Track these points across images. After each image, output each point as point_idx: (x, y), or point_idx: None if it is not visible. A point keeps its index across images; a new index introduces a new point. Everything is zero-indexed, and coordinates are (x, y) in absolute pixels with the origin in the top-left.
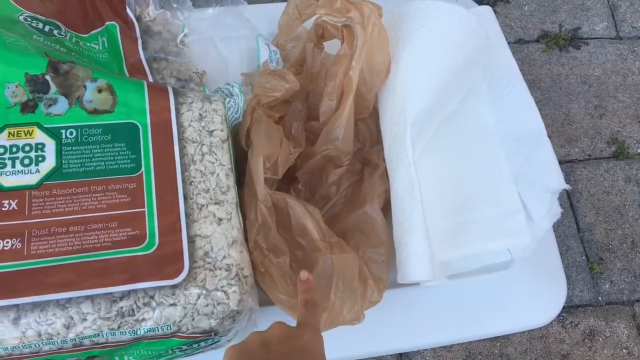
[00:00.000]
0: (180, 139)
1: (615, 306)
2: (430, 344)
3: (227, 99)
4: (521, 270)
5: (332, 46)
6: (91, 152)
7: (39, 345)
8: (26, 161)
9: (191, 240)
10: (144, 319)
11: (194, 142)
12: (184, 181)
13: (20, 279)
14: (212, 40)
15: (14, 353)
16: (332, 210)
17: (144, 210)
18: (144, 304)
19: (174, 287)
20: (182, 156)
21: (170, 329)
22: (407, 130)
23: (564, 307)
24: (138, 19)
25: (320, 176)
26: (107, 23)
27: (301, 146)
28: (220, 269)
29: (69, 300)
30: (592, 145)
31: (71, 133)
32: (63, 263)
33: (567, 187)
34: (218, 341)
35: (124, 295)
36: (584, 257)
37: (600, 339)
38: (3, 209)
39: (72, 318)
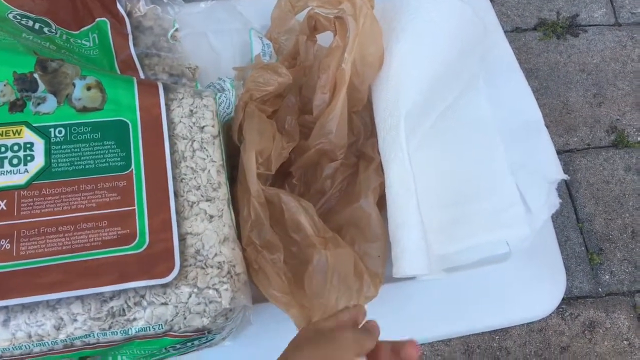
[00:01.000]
0: (170, 136)
1: (615, 297)
2: (427, 338)
3: (219, 94)
4: (519, 262)
5: (325, 39)
6: (80, 151)
7: (29, 347)
8: (15, 161)
9: (182, 238)
10: (135, 319)
11: (184, 138)
12: (174, 178)
13: (9, 280)
14: (204, 35)
15: (4, 355)
16: (327, 204)
17: (134, 209)
18: (135, 304)
19: (165, 286)
20: (172, 153)
21: (162, 328)
22: (401, 122)
23: (563, 299)
24: (129, 14)
25: (315, 170)
26: (97, 19)
27: (295, 140)
28: (211, 266)
29: (59, 301)
30: (591, 134)
31: (60, 132)
32: (52, 263)
33: (565, 177)
34: (212, 339)
35: (115, 295)
36: (583, 248)
37: (601, 331)
38: None
39: (62, 319)
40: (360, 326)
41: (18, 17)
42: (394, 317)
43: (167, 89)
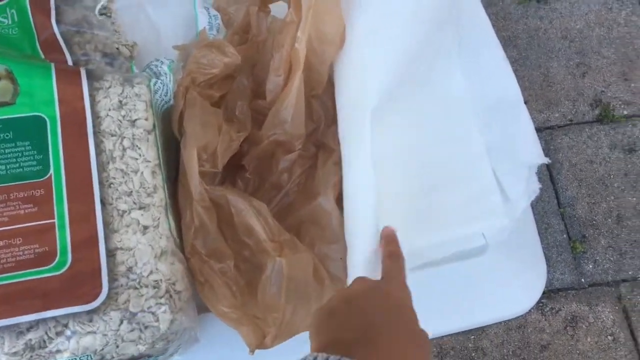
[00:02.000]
0: (96, 133)
1: (599, 288)
2: None
3: (154, 80)
4: (496, 255)
5: (281, 9)
6: None
7: None
8: None
9: (111, 255)
10: (58, 351)
11: (112, 135)
12: (101, 183)
13: None
14: (142, 7)
15: None
16: (284, 200)
17: (54, 222)
18: (57, 334)
19: (91, 312)
20: (98, 153)
21: (92, 359)
22: (366, 112)
23: (543, 293)
24: None
25: (270, 163)
26: None
27: (246, 129)
28: (146, 286)
29: None
30: (573, 108)
31: None
32: None
33: (546, 160)
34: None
35: (32, 326)
36: (565, 236)
37: (584, 326)
38: None
39: None
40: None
41: None
42: None
43: (91, 77)
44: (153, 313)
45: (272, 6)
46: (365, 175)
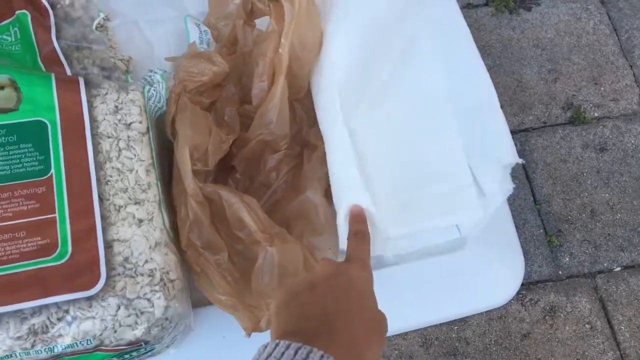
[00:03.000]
0: (93, 135)
1: (576, 279)
2: None
3: (148, 88)
4: (475, 248)
5: (266, 23)
6: None
7: None
8: None
9: (108, 246)
10: (60, 335)
11: (109, 137)
12: (99, 181)
13: None
14: (136, 24)
15: None
16: (273, 197)
17: (55, 216)
18: (59, 319)
19: (91, 298)
20: (96, 154)
21: (91, 343)
22: (334, 87)
23: (522, 284)
24: (53, 5)
25: (258, 163)
26: (17, 12)
27: (235, 132)
28: (142, 274)
29: None
30: (546, 111)
31: None
32: None
33: (520, 161)
34: (152, 349)
35: (35, 312)
36: (541, 231)
37: (562, 315)
38: None
39: None
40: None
41: None
42: None
43: (89, 85)
44: (148, 299)
45: (257, 21)
46: (341, 137)
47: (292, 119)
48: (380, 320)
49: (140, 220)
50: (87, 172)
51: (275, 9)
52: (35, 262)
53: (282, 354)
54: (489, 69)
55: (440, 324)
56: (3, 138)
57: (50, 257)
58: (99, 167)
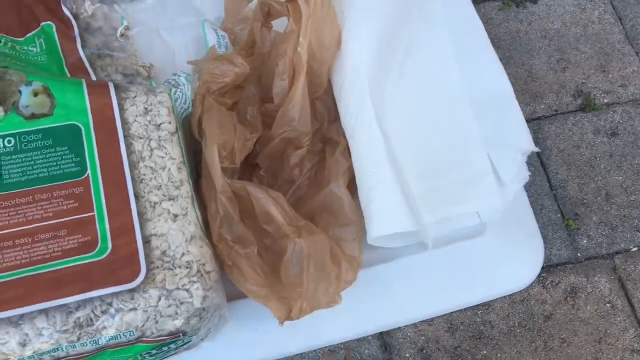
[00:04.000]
0: (126, 136)
1: (594, 261)
2: (410, 319)
3: (174, 90)
4: (496, 234)
5: (282, 25)
6: (32, 160)
7: None
8: None
9: (146, 241)
10: (104, 327)
11: (140, 137)
12: (133, 179)
13: None
14: (156, 31)
15: None
16: (296, 193)
17: (94, 215)
18: (102, 312)
19: (132, 291)
20: (129, 154)
21: (134, 334)
22: (365, 85)
23: (543, 267)
24: (75, 16)
25: (282, 160)
26: (42, 24)
27: (258, 131)
28: (180, 267)
29: (22, 316)
30: (557, 100)
31: (9, 142)
32: (11, 279)
33: (536, 149)
34: (189, 341)
35: (80, 305)
36: (559, 215)
37: (583, 296)
38: None
39: (27, 335)
40: None
41: None
42: (375, 300)
43: (118, 89)
44: (187, 290)
45: (274, 22)
46: (371, 133)
47: (312, 116)
48: None
49: (175, 215)
50: (122, 171)
51: (293, 9)
52: (77, 258)
53: None
54: (500, 60)
55: (465, 309)
56: (40, 142)
57: (91, 254)
58: (132, 166)
